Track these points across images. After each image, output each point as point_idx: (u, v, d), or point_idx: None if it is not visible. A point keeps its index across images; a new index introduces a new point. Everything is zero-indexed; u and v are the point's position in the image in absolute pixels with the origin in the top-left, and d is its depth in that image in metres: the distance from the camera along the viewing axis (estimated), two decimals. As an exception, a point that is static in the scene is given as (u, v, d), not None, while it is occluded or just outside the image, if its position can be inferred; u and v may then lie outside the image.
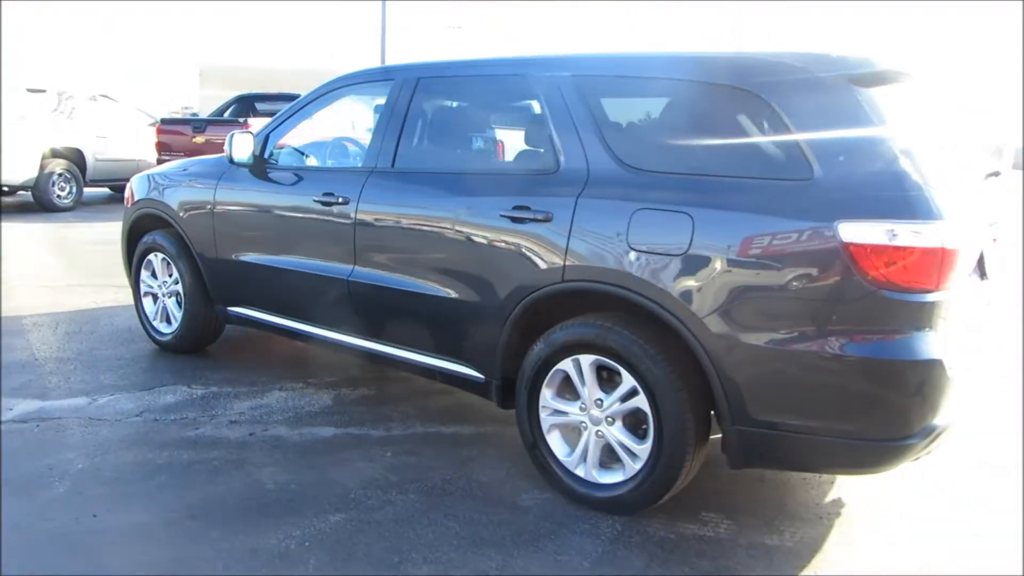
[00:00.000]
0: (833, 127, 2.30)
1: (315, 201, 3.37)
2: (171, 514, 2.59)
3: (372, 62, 19.13)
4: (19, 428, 3.22)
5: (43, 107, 10.34)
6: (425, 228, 3.02)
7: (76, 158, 10.54)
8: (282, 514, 2.61)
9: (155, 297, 4.36)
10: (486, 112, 3.39)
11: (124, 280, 6.10)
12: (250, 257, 3.71)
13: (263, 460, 3.00)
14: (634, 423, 2.62)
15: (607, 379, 2.65)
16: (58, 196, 10.31)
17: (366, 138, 3.64)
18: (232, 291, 3.88)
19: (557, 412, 2.75)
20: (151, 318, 4.36)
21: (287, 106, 3.75)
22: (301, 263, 3.49)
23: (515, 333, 2.81)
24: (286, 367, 4.11)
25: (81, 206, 10.73)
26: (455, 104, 3.43)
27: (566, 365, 2.68)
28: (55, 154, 10.25)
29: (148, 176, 4.38)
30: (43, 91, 10.54)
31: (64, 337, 4.53)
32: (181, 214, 3.99)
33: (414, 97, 3.20)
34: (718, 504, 2.76)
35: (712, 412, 2.51)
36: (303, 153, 3.87)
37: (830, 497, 2.88)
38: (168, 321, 4.30)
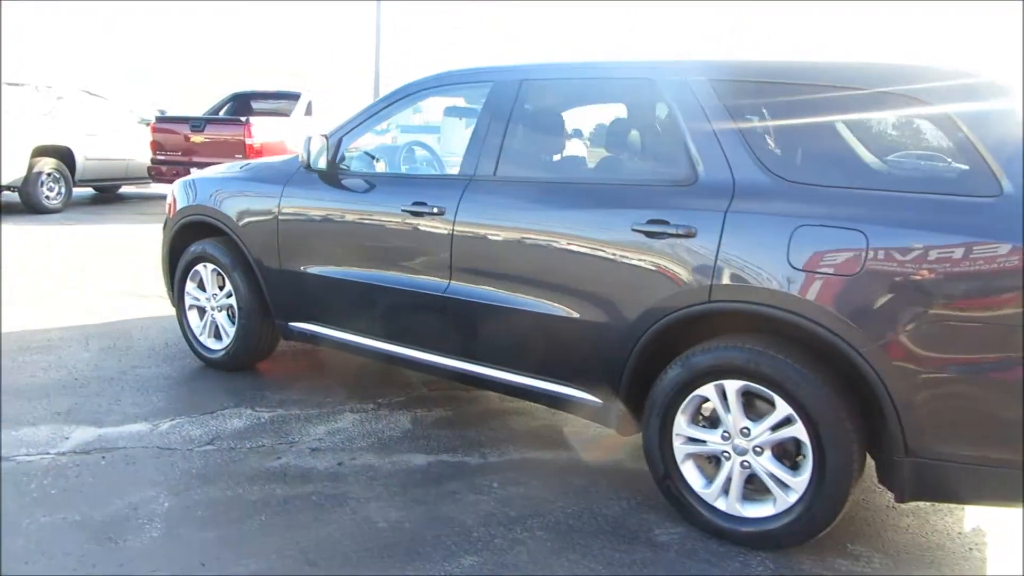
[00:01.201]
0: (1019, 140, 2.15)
1: (403, 211, 3.13)
2: (286, 560, 2.34)
3: (367, 64, 18.78)
4: (84, 460, 2.93)
5: (30, 102, 9.84)
6: (537, 242, 2.81)
7: (65, 157, 10.07)
8: (407, 558, 2.38)
9: (201, 311, 4.07)
10: (600, 117, 3.18)
11: (142, 288, 5.81)
12: (321, 270, 3.46)
13: (364, 494, 2.77)
14: (782, 453, 2.45)
15: (749, 405, 2.48)
16: (47, 197, 9.84)
17: (439, 143, 3.44)
18: (297, 305, 3.63)
19: (694, 441, 2.57)
20: (197, 333, 4.08)
21: (365, 108, 3.48)
22: (384, 277, 3.25)
23: (644, 356, 2.62)
24: (347, 386, 3.86)
25: (69, 207, 10.26)
26: (565, 109, 3.22)
27: (707, 391, 2.50)
28: (43, 152, 9.78)
29: (194, 181, 4.09)
30: (21, 84, 10.02)
31: (99, 354, 4.22)
32: (238, 222, 3.71)
33: (517, 101, 2.98)
34: (859, 535, 2.61)
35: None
36: (375, 158, 3.62)
37: (968, 526, 2.74)
38: (218, 337, 4.02)
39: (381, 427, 3.38)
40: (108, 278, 6.14)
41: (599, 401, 2.79)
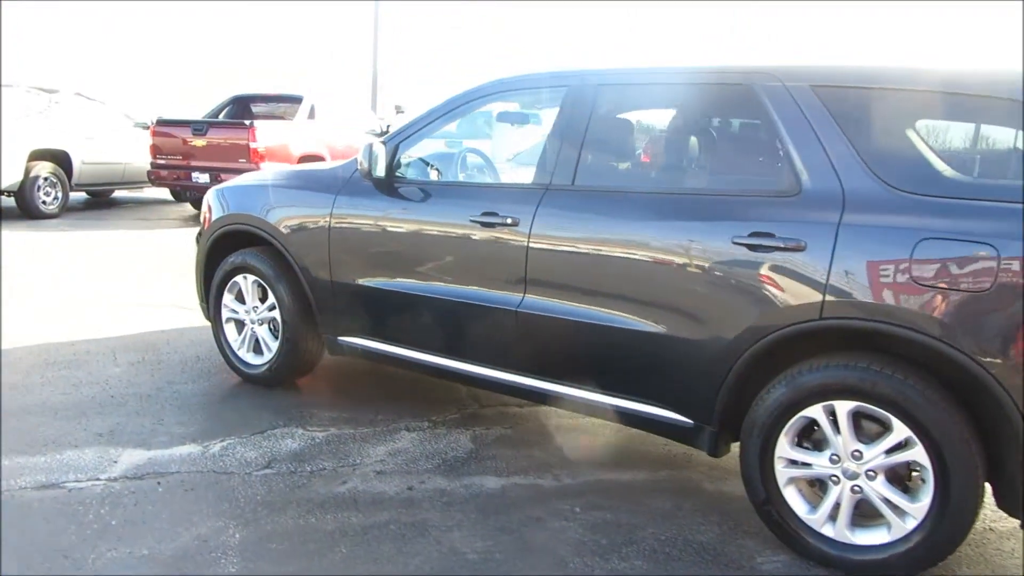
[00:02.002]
0: None
1: (472, 221, 2.99)
2: (380, 598, 2.19)
3: (367, 64, 18.56)
4: (140, 487, 2.76)
5: (25, 104, 9.56)
6: (624, 255, 2.67)
7: (62, 161, 9.79)
8: (507, 593, 2.24)
9: (240, 324, 3.90)
10: (689, 125, 3.05)
11: (156, 297, 5.60)
12: (377, 282, 3.30)
13: (444, 522, 2.61)
14: (894, 476, 2.34)
15: (857, 426, 2.36)
16: (43, 202, 9.56)
17: (496, 150, 3.30)
18: (349, 319, 3.46)
19: (797, 464, 2.44)
20: (236, 348, 3.90)
21: (423, 113, 3.32)
22: (447, 290, 3.10)
23: (743, 375, 2.50)
24: (395, 402, 3.71)
25: (65, 212, 9.98)
26: (650, 116, 3.09)
27: (814, 412, 2.38)
28: (39, 156, 9.50)
29: (232, 189, 3.92)
30: (13, 86, 9.72)
31: (130, 368, 4.02)
32: (284, 232, 3.55)
33: (595, 107, 2.85)
34: (964, 560, 2.50)
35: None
36: (430, 165, 3.47)
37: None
38: (257, 351, 3.85)
39: (442, 447, 3.22)
40: (119, 287, 5.93)
41: (689, 421, 2.66)
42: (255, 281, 3.75)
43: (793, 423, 2.42)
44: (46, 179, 9.53)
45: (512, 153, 4.04)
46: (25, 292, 5.62)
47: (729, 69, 2.66)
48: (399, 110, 16.73)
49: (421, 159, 3.42)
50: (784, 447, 2.44)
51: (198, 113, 11.22)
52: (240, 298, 3.88)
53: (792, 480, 2.46)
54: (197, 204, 11.11)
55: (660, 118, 3.07)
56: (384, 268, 3.28)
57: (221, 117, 11.09)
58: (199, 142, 9.73)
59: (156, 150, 9.99)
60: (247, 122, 9.59)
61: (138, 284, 6.08)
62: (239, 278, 3.81)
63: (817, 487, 2.46)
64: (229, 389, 3.82)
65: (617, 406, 2.80)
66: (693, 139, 3.06)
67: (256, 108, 11.57)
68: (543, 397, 3.00)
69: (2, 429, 3.18)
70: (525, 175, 3.46)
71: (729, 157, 2.96)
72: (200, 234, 4.08)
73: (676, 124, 3.06)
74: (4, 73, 9.86)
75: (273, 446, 3.16)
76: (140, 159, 10.77)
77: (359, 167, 3.23)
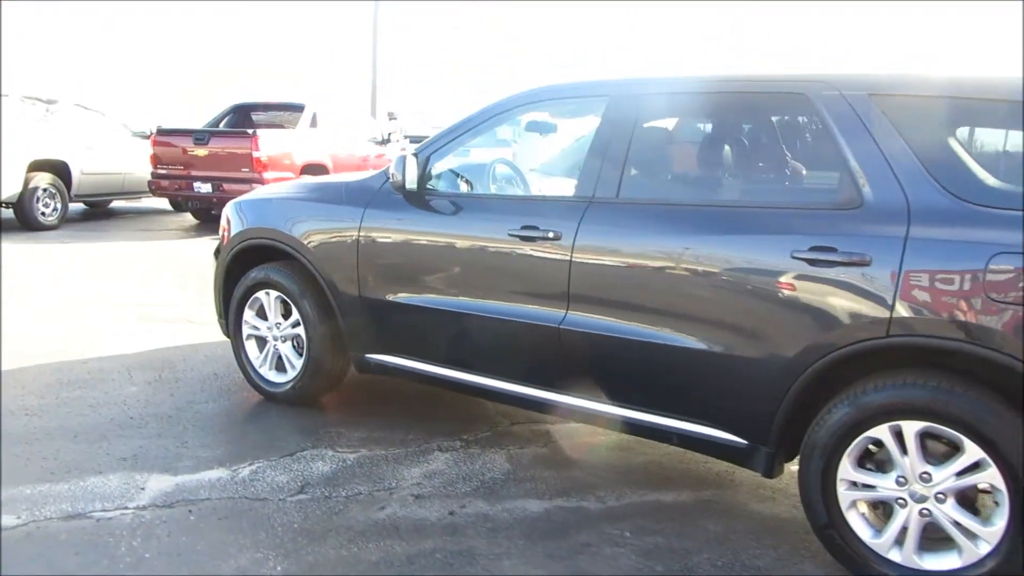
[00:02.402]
0: None
1: (511, 235, 2.90)
2: (436, 635, 2.09)
3: (367, 64, 18.44)
4: (171, 516, 2.64)
5: (23, 114, 9.42)
6: (674, 270, 2.58)
7: (61, 171, 9.65)
8: (567, 627, 2.14)
9: (261, 341, 3.79)
10: (741, 136, 2.97)
11: (166, 311, 5.47)
12: (410, 298, 3.20)
13: (491, 549, 2.51)
14: (962, 499, 2.25)
15: (925, 447, 2.27)
16: (42, 213, 9.41)
17: (523, 160, 3.22)
18: (379, 336, 3.36)
19: (861, 486, 2.36)
20: (257, 365, 3.79)
21: (456, 124, 3.22)
22: (484, 307, 3.01)
23: (802, 394, 2.41)
24: (423, 420, 3.60)
25: (64, 223, 9.83)
26: (699, 126, 3.01)
27: (880, 432, 2.29)
28: (39, 167, 9.35)
29: (253, 202, 3.82)
30: (8, 96, 9.54)
31: (147, 387, 3.91)
32: (310, 246, 3.44)
33: (640, 117, 2.76)
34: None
35: None
36: (459, 176, 3.38)
37: None
38: (280, 369, 3.74)
39: (479, 468, 3.12)
40: (127, 300, 5.81)
41: (743, 442, 2.57)
42: (278, 297, 3.65)
43: (856, 444, 2.33)
44: (45, 190, 9.40)
45: (541, 163, 3.94)
46: (31, 306, 5.49)
47: (785, 78, 2.57)
48: (392, 116, 16.63)
49: (452, 170, 3.33)
50: (847, 469, 2.35)
51: (198, 117, 11.14)
52: (261, 314, 3.77)
53: (855, 503, 2.37)
54: (198, 215, 10.98)
55: (710, 129, 2.97)
56: (416, 283, 3.19)
57: (222, 126, 10.98)
58: (201, 152, 9.61)
59: (157, 160, 9.87)
60: (250, 131, 9.49)
61: (146, 297, 5.95)
62: (261, 294, 3.70)
63: (881, 510, 2.37)
64: (251, 408, 3.71)
65: (666, 426, 2.71)
66: (746, 150, 2.97)
67: (257, 116, 11.47)
68: (585, 416, 2.91)
69: (21, 454, 3.07)
70: (560, 187, 3.39)
71: (785, 169, 2.87)
72: (218, 249, 3.97)
73: (728, 135, 2.97)
74: (3, 79, 9.68)
75: (304, 469, 3.05)
76: (139, 169, 10.66)
77: (391, 179, 3.13)
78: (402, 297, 3.22)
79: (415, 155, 3.11)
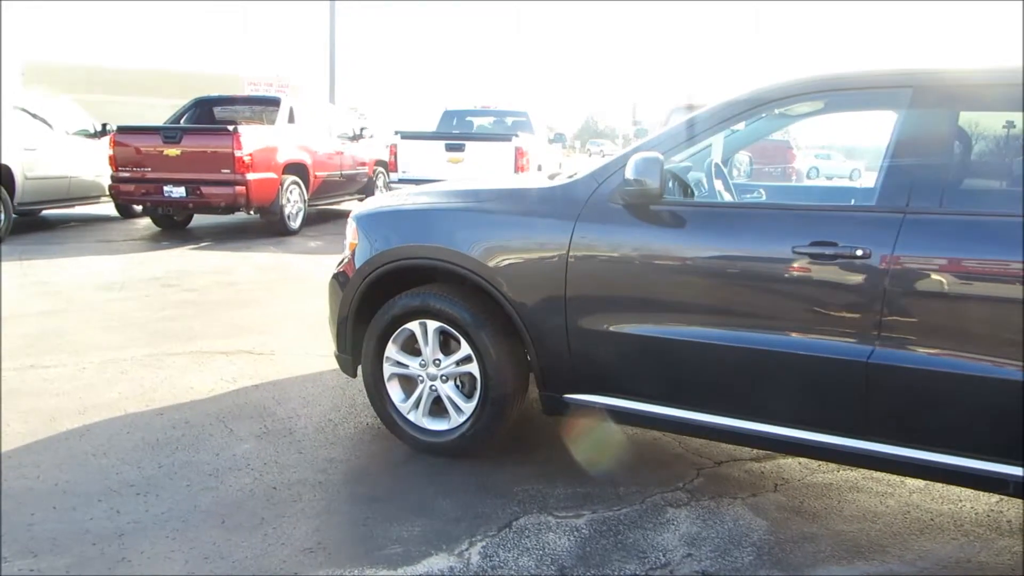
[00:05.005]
0: None
1: (797, 252, 2.41)
2: None
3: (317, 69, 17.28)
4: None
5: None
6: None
7: (4, 177, 8.40)
8: None
9: (407, 380, 3.16)
10: None
11: (209, 341, 4.63)
12: (645, 329, 2.65)
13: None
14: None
15: None
16: (-16, 226, 8.17)
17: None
18: (589, 373, 2.80)
19: None
20: (405, 410, 3.15)
21: (694, 118, 2.69)
22: (753, 339, 2.49)
23: None
24: (620, 466, 3.08)
25: (9, 236, 8.58)
26: None
27: None
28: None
29: (399, 214, 3.17)
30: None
31: (260, 444, 3.19)
32: (494, 267, 2.84)
33: (959, 113, 2.33)
34: None
35: None
36: (680, 180, 2.85)
37: None
38: (437, 415, 3.12)
39: (732, 526, 2.62)
40: (147, 329, 4.95)
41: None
42: (438, 328, 3.03)
43: None
44: (-13, 199, 8.16)
45: (731, 164, 3.45)
46: (44, 345, 4.58)
47: None
48: (357, 112, 15.76)
49: (688, 175, 2.80)
50: None
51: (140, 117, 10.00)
52: (409, 349, 3.14)
53: None
54: (161, 221, 9.86)
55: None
56: (656, 311, 2.64)
57: (183, 121, 9.91)
58: (172, 151, 8.57)
59: (118, 162, 8.74)
60: (230, 127, 8.53)
61: (167, 324, 5.10)
62: (413, 325, 3.07)
63: None
64: (405, 463, 3.07)
65: (1006, 474, 2.30)
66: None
67: (220, 112, 10.45)
68: (893, 465, 2.44)
69: (160, 551, 2.35)
70: (823, 194, 2.92)
71: None
72: (340, 274, 3.29)
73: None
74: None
75: (541, 546, 2.47)
76: (88, 172, 9.50)
77: (633, 186, 2.56)
78: (632, 328, 2.67)
79: (658, 156, 2.56)
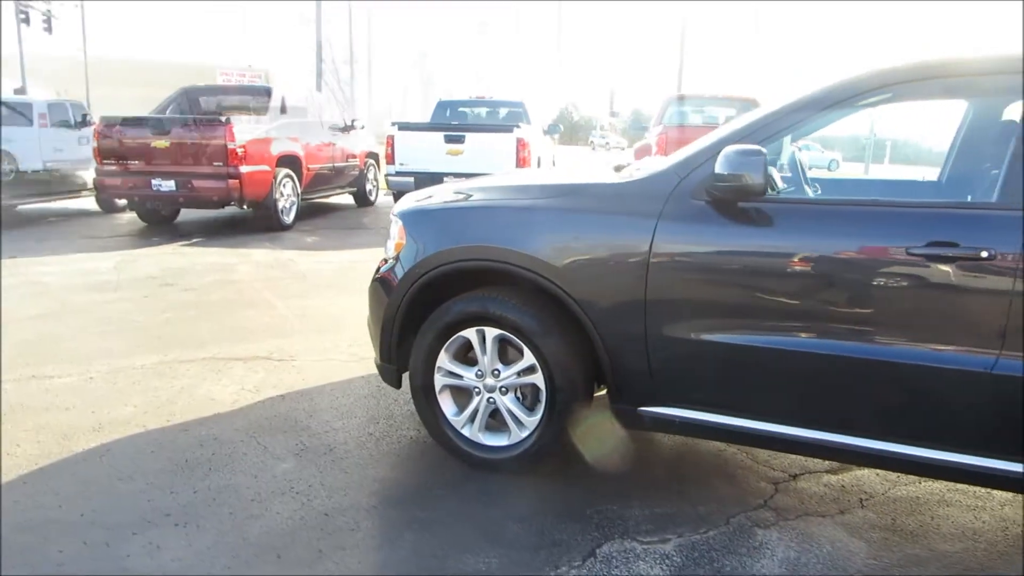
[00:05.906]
0: None
1: (912, 254, 2.21)
2: None
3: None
4: None
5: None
6: None
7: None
8: None
9: (460, 392, 2.92)
10: None
11: (226, 347, 4.32)
12: (736, 337, 2.43)
13: None
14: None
15: None
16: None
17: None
18: (669, 383, 2.58)
19: None
20: (459, 425, 2.91)
21: (784, 105, 2.46)
22: (861, 349, 2.29)
23: None
24: (677, 482, 2.87)
25: (-15, 233, 8.16)
26: None
27: None
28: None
29: (452, 212, 2.92)
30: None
31: (300, 463, 2.93)
32: (565, 270, 2.60)
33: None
34: None
35: None
36: (797, 177, 2.63)
37: None
38: (494, 429, 2.89)
39: (831, 549, 2.42)
40: (155, 335, 4.64)
41: None
42: (498, 336, 2.78)
43: None
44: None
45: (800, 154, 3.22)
46: (42, 353, 4.25)
47: None
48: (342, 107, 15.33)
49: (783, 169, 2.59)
50: None
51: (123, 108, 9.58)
52: (462, 358, 2.90)
53: None
54: (147, 216, 9.45)
55: None
56: (750, 318, 2.42)
57: (168, 112, 9.51)
58: (161, 143, 8.19)
59: (103, 154, 8.33)
60: (223, 118, 8.16)
61: (174, 330, 4.79)
62: (469, 332, 2.82)
63: None
64: (461, 483, 2.82)
65: None
66: None
67: (206, 101, 10.05)
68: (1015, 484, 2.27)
69: (227, 596, 2.09)
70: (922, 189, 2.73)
71: None
72: (383, 278, 3.03)
73: None
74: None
75: (629, 571, 2.25)
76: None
77: (727, 181, 2.34)
78: (724, 336, 2.45)
79: (760, 148, 2.33)
